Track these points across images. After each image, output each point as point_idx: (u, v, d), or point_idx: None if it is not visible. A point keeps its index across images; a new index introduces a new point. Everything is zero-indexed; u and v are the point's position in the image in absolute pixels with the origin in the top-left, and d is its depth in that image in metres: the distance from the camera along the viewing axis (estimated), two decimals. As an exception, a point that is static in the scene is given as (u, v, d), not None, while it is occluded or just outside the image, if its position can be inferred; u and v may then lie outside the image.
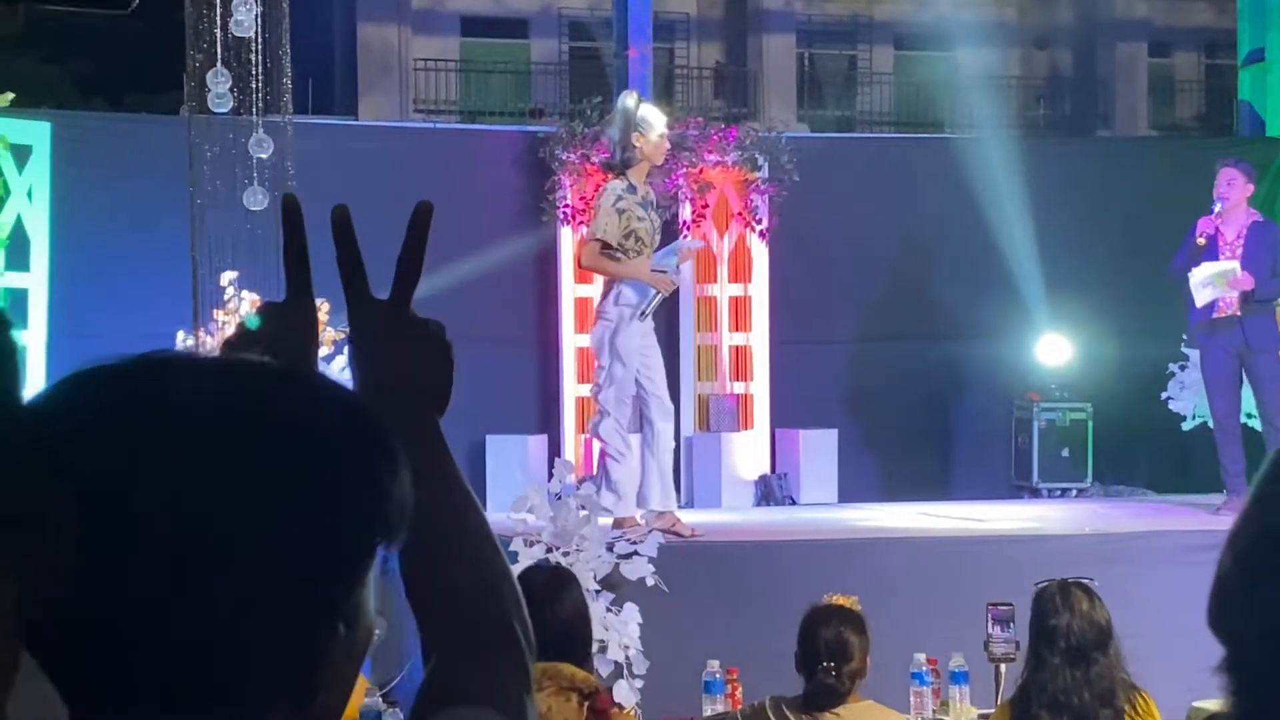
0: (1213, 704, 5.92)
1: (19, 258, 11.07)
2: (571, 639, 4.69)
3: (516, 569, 7.81)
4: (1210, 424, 10.28)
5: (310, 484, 1.09)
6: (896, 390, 12.43)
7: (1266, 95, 13.45)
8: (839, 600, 5.58)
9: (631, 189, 8.30)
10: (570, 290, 11.76)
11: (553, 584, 4.86)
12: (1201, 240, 9.91)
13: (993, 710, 5.98)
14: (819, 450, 11.77)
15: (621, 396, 8.37)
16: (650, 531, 8.21)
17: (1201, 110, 27.57)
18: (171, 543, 1.05)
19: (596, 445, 8.88)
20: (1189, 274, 9.97)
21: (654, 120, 8.33)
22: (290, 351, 1.41)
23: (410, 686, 7.89)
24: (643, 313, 8.28)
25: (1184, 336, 11.54)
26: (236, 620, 1.06)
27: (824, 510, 11.07)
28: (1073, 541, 8.80)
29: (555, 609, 4.68)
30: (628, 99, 8.48)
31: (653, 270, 8.38)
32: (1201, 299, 9.89)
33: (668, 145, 8.69)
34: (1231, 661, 0.82)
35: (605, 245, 8.26)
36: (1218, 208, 9.95)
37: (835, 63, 27.68)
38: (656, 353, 8.63)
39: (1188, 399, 11.30)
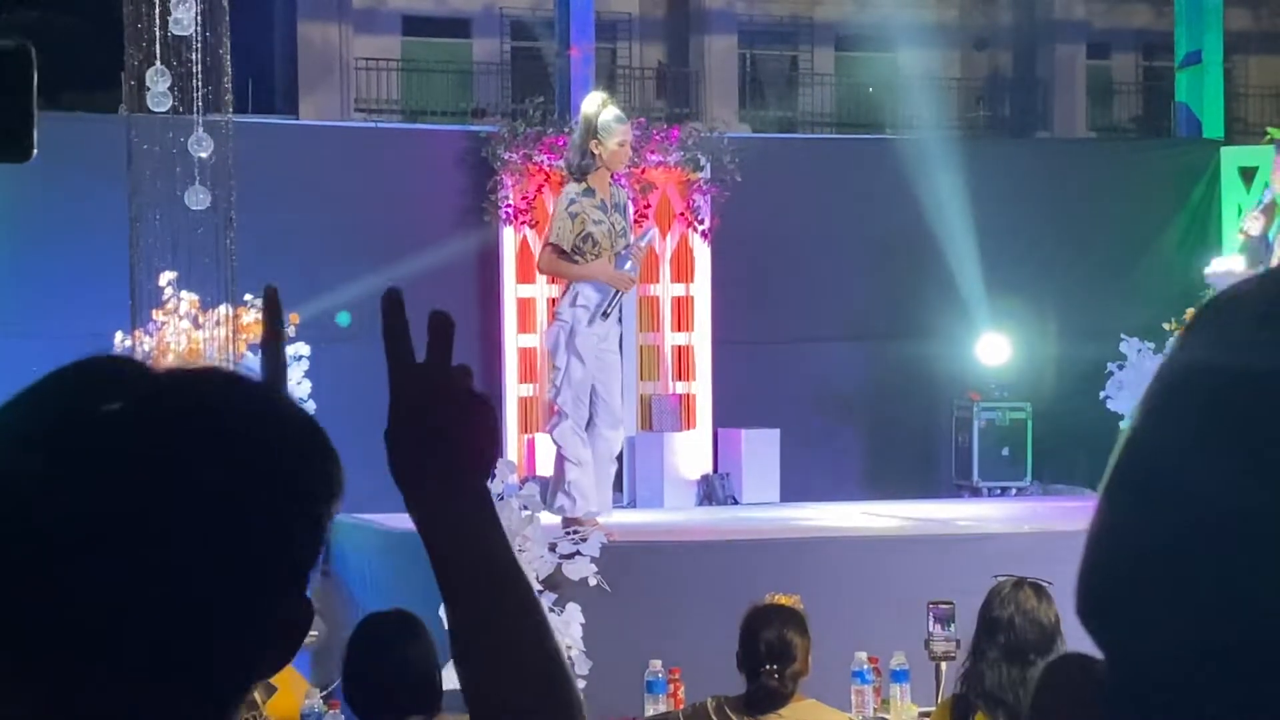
0: None
1: (-45, 257, 10.97)
2: (421, 688, 4.32)
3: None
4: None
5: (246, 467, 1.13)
6: (838, 390, 12.47)
7: (1203, 97, 13.58)
8: (781, 599, 5.59)
9: (589, 192, 8.31)
10: (512, 290, 11.75)
11: (402, 630, 4.50)
12: (1240, 235, 9.10)
13: (933, 708, 6.01)
14: (761, 450, 11.79)
15: (579, 397, 8.34)
16: (593, 531, 8.22)
17: (1139, 112, 27.79)
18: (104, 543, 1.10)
19: (552, 446, 8.84)
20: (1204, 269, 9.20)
21: (613, 127, 8.32)
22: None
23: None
24: (604, 312, 8.28)
25: (1122, 336, 11.63)
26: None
27: (766, 510, 11.09)
28: (1012, 540, 8.85)
29: (406, 655, 4.35)
30: (588, 105, 8.49)
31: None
32: None
33: (629, 153, 8.67)
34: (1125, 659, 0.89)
35: (560, 249, 8.28)
36: (1266, 199, 9.04)
37: (777, 63, 27.74)
38: (616, 359, 8.61)
39: (1126, 398, 11.39)
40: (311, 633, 1.17)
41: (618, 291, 8.31)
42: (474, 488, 1.35)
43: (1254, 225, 9.14)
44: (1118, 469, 0.89)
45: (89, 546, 1.09)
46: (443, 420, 1.35)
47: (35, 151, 1.62)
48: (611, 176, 8.50)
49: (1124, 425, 0.95)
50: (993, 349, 12.41)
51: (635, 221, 10.40)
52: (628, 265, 8.38)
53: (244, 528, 1.12)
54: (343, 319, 11.07)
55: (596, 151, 8.25)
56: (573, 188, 8.37)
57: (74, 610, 1.08)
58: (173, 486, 1.10)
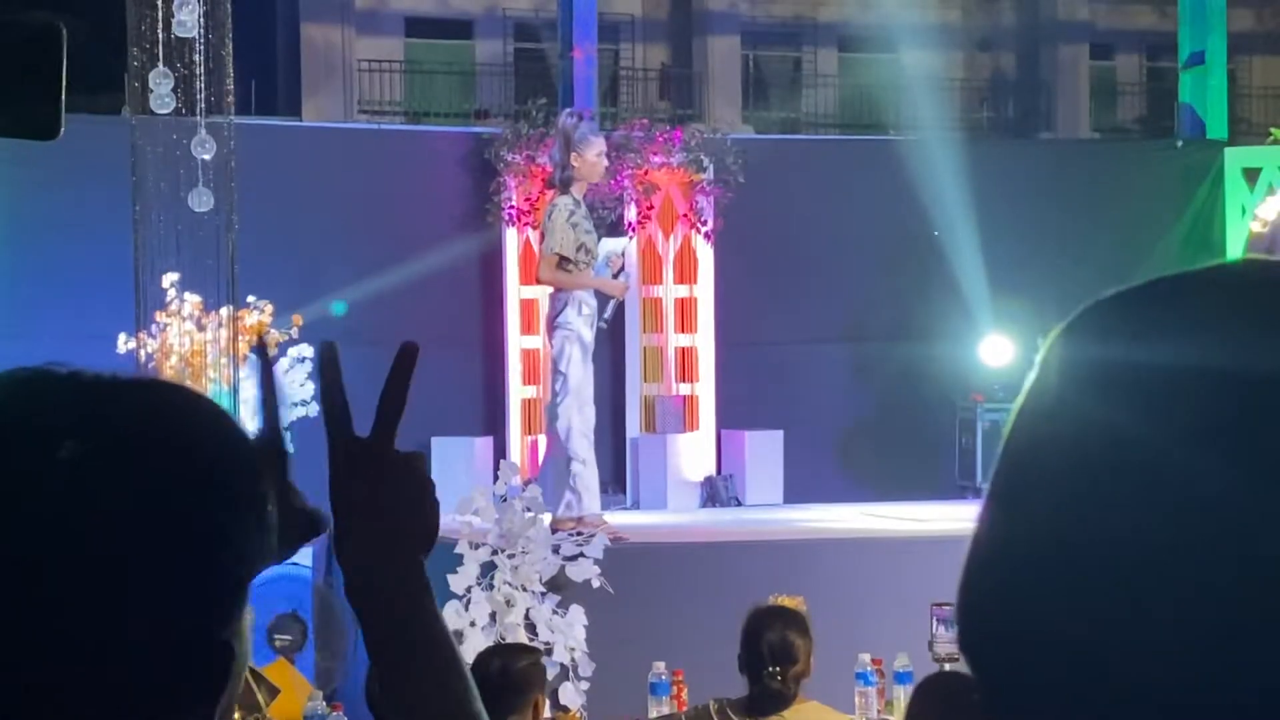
0: None
1: (-42, 259, 10.97)
2: None
3: (462, 573, 7.76)
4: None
5: (186, 502, 1.08)
6: (842, 391, 12.47)
7: (1207, 98, 13.57)
8: (784, 601, 5.58)
9: (578, 203, 8.56)
10: (515, 292, 11.75)
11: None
12: (1256, 225, 8.86)
13: (937, 710, 6.00)
14: (765, 451, 11.79)
15: (585, 399, 8.56)
16: (597, 532, 8.24)
17: (1143, 113, 27.76)
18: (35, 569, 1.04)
19: (543, 446, 8.95)
20: None
21: (590, 140, 8.57)
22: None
23: (354, 689, 7.86)
24: (605, 319, 8.61)
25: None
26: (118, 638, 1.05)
27: (769, 511, 11.09)
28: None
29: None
30: (565, 119, 8.77)
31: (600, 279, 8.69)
32: None
33: (605, 163, 8.95)
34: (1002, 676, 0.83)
35: (562, 259, 8.49)
36: None
37: (780, 64, 27.74)
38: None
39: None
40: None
41: (611, 298, 8.62)
42: (407, 561, 1.37)
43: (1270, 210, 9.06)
44: (1076, 469, 0.81)
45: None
46: (380, 499, 1.36)
47: (61, 129, 1.60)
48: (588, 188, 8.80)
49: (1017, 419, 0.87)
50: (996, 350, 12.40)
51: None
52: (606, 273, 8.72)
53: (142, 560, 1.05)
54: (339, 308, 11.08)
55: (576, 164, 8.48)
56: (565, 199, 8.58)
57: None
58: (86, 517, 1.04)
